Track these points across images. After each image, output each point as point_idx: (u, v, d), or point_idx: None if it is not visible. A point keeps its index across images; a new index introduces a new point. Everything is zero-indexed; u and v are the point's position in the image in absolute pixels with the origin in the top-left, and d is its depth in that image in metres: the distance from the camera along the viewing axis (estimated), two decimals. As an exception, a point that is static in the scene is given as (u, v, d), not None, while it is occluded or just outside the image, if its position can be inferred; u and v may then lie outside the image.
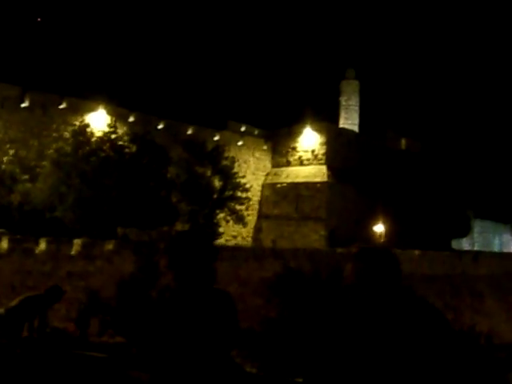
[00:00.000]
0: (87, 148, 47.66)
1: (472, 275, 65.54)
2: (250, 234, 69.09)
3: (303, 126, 71.83)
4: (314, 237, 65.50)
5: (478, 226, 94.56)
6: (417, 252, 60.48)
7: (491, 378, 29.41)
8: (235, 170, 58.27)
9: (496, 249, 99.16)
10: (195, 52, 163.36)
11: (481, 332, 35.81)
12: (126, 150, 50.15)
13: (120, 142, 50.64)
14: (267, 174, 72.56)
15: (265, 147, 73.05)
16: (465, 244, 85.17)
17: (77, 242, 39.77)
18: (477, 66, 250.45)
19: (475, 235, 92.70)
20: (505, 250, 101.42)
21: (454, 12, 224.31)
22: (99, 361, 10.56)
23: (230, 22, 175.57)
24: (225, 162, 56.46)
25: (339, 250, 54.54)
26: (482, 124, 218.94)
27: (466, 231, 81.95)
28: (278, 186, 70.83)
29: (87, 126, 52.01)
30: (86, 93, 59.61)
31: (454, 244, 77.52)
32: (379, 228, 48.32)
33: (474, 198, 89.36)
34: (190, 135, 62.21)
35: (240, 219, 57.03)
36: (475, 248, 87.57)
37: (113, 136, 50.59)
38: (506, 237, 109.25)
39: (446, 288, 60.54)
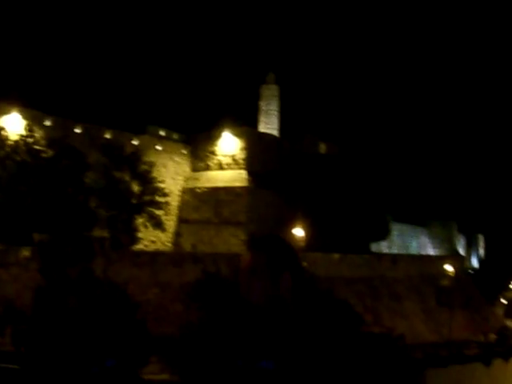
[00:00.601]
0: (2, 152, 46.62)
1: (391, 277, 67.24)
2: (170, 239, 68.79)
3: (222, 131, 72.15)
4: (233, 241, 65.81)
5: (396, 229, 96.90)
6: (337, 255, 61.65)
7: (408, 377, 30.44)
8: (154, 174, 58.05)
9: (414, 251, 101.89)
10: (113, 55, 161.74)
11: (399, 333, 37.01)
12: (43, 155, 49.29)
13: (36, 147, 49.71)
14: (187, 179, 72.41)
15: (184, 151, 72.92)
16: (383, 247, 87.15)
17: (-11, 249, 38.90)
18: (392, 75, 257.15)
19: (394, 238, 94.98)
20: (422, 253, 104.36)
21: (372, 22, 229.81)
22: (12, 372, 10.46)
23: (150, 26, 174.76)
24: (143, 167, 56.17)
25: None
26: (399, 129, 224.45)
27: (384, 234, 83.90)
28: (198, 190, 70.83)
29: (1, 129, 50.82)
30: (-2, 95, 58.01)
31: (373, 247, 79.27)
32: (299, 232, 49.00)
33: (392, 202, 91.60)
34: (108, 139, 61.51)
35: (159, 224, 56.85)
36: (394, 251, 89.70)
37: (29, 140, 49.62)
38: (423, 239, 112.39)
39: (366, 290, 61.90)
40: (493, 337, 66.75)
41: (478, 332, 69.37)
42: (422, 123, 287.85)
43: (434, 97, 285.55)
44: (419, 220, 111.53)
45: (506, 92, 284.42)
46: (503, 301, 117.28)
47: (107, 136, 62.80)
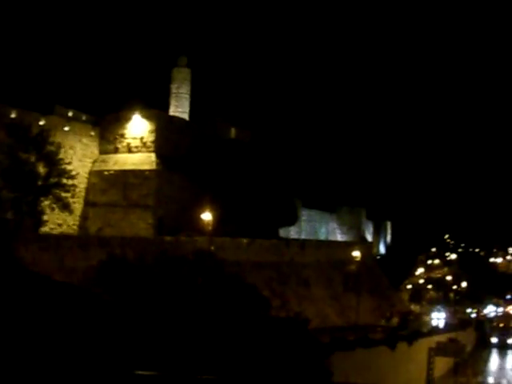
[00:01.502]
0: None
1: (299, 263, 68.81)
2: (76, 223, 68.08)
3: (132, 113, 71.68)
4: (141, 225, 65.85)
5: (305, 215, 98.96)
6: (245, 240, 62.63)
7: (314, 360, 31.53)
8: (61, 156, 57.10)
9: (322, 237, 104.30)
10: (19, 30, 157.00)
11: (307, 319, 38.12)
12: None
13: None
14: (95, 161, 71.69)
15: (92, 133, 72.10)
16: (292, 232, 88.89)
17: None
18: (300, 59, 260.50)
19: (302, 224, 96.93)
20: (331, 239, 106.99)
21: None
22: None
23: (60, 4, 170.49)
24: (50, 148, 55.20)
25: (167, 239, 55.51)
26: (309, 115, 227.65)
27: (293, 220, 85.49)
28: (106, 173, 70.29)
29: None
30: None
31: (282, 232, 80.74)
32: (207, 216, 49.55)
33: (301, 188, 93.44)
34: (13, 119, 60.15)
35: (66, 207, 56.01)
36: (302, 236, 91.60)
37: None
38: (332, 225, 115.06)
39: (274, 275, 63.11)
40: (395, 321, 69.48)
41: (383, 316, 72.00)
42: (331, 109, 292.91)
43: (342, 81, 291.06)
44: (328, 206, 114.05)
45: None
46: (409, 286, 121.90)
47: (12, 115, 61.41)
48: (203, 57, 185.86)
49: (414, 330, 67.04)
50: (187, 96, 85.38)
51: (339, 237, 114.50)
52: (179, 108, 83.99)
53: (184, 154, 72.07)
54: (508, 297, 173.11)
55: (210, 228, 48.61)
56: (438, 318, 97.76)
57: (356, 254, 70.64)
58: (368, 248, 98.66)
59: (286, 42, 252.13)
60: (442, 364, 63.27)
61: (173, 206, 67.43)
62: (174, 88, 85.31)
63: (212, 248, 46.04)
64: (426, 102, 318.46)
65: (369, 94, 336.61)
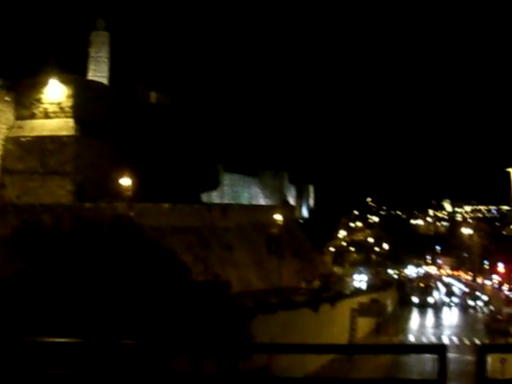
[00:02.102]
0: None
1: (221, 227, 68.80)
2: (-7, 191, 66.23)
3: (48, 77, 69.63)
4: (60, 192, 64.48)
5: (227, 180, 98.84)
6: (166, 205, 62.15)
7: (235, 323, 31.62)
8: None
9: (245, 201, 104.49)
10: None
11: (228, 282, 38.10)
12: None
13: None
14: (10, 128, 69.55)
15: (7, 98, 69.72)
16: (215, 197, 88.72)
17: None
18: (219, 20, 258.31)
19: (225, 188, 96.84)
20: (253, 203, 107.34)
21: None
22: None
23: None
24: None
25: (86, 205, 54.59)
26: (230, 79, 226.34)
27: (215, 184, 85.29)
28: (23, 139, 68.29)
29: None
30: None
31: (204, 197, 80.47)
32: (126, 181, 48.94)
33: (223, 152, 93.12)
34: None
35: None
36: (225, 201, 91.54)
37: None
38: (255, 189, 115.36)
39: (196, 240, 62.95)
40: (317, 283, 70.56)
41: (305, 279, 72.98)
42: (252, 70, 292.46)
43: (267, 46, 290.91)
44: (251, 170, 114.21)
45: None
46: (331, 249, 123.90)
47: None
48: (122, 20, 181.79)
49: (337, 291, 68.26)
50: (106, 60, 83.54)
51: (262, 201, 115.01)
52: (98, 72, 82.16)
53: (103, 120, 70.70)
54: (428, 257, 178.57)
55: (130, 193, 48.07)
56: (360, 280, 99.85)
57: (278, 217, 71.13)
58: (290, 211, 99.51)
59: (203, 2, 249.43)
60: (365, 324, 64.78)
61: (92, 172, 66.22)
62: (92, 52, 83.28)
63: (131, 213, 45.47)
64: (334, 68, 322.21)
65: (284, 53, 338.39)
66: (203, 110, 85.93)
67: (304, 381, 10.56)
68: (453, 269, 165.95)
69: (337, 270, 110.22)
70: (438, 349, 4.35)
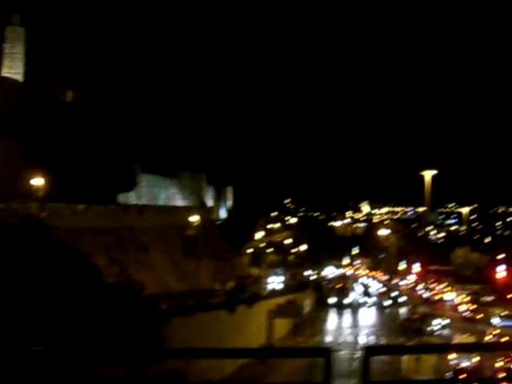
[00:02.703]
0: None
1: (138, 228, 68.16)
2: None
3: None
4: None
5: (145, 180, 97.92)
6: (81, 206, 61.16)
7: (149, 327, 31.31)
8: None
9: (162, 203, 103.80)
10: None
11: (142, 284, 37.67)
12: None
13: None
14: None
15: None
16: (132, 198, 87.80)
17: None
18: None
19: (142, 189, 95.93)
20: (171, 204, 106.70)
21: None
22: None
23: None
24: None
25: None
26: (147, 77, 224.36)
27: (131, 185, 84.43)
28: None
29: None
30: None
31: (121, 198, 79.53)
32: (38, 181, 47.84)
33: (140, 153, 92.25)
34: None
35: None
36: (142, 202, 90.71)
37: None
38: (173, 191, 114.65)
39: (112, 242, 62.14)
40: (231, 285, 70.64)
41: (224, 280, 72.95)
42: (170, 73, 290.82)
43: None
44: (169, 171, 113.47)
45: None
46: (249, 250, 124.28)
47: None
48: (39, 15, 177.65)
49: (254, 293, 68.47)
50: (21, 56, 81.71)
51: (180, 202, 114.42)
52: (13, 69, 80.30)
53: (16, 117, 68.99)
54: (345, 258, 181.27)
55: (41, 193, 47.01)
56: (278, 281, 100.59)
57: (194, 218, 70.91)
58: (208, 213, 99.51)
59: None
60: (282, 325, 65.17)
61: (4, 171, 64.48)
62: (7, 48, 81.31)
63: (43, 214, 44.45)
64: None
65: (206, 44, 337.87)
66: (120, 110, 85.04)
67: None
68: (370, 269, 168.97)
69: (254, 271, 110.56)
70: (324, 352, 4.38)
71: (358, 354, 60.10)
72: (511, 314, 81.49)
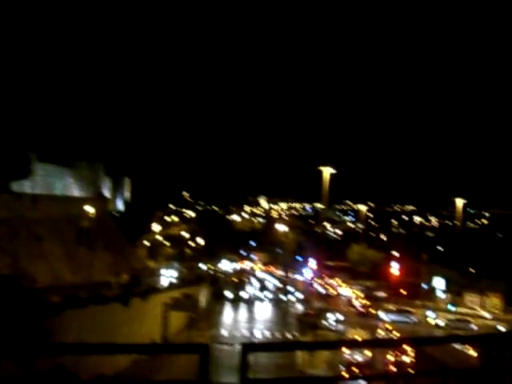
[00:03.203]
0: None
1: (31, 218, 66.25)
2: None
3: None
4: None
5: (41, 169, 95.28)
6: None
7: (39, 319, 30.46)
8: None
9: (58, 192, 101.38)
10: None
11: (32, 276, 36.68)
12: None
13: None
14: None
15: None
16: (26, 187, 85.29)
17: None
18: None
19: (38, 178, 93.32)
20: (67, 194, 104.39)
21: None
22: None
23: None
24: None
25: None
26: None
27: (26, 173, 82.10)
28: None
29: None
30: None
31: (15, 186, 77.13)
32: None
33: (36, 141, 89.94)
34: None
35: None
36: (38, 191, 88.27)
37: None
38: (69, 180, 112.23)
39: (3, 232, 60.23)
40: (125, 278, 69.85)
41: (119, 273, 72.01)
42: (67, 63, 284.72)
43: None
44: (66, 161, 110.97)
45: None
46: (146, 243, 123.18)
47: None
48: None
49: (149, 286, 67.94)
50: None
51: (76, 192, 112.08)
52: None
53: None
54: (243, 252, 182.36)
55: None
56: (174, 275, 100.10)
57: (90, 209, 69.66)
58: (104, 204, 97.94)
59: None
60: (178, 319, 64.88)
61: None
62: None
63: None
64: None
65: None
66: (15, 97, 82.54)
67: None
68: (267, 264, 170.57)
69: (150, 264, 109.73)
70: (201, 349, 4.20)
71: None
72: (399, 309, 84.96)
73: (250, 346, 4.43)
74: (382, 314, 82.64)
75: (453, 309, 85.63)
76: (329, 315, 74.85)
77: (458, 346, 57.06)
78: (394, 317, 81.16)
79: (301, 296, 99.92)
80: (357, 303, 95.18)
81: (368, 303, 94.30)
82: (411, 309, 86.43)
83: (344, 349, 54.03)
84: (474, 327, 77.40)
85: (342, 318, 76.75)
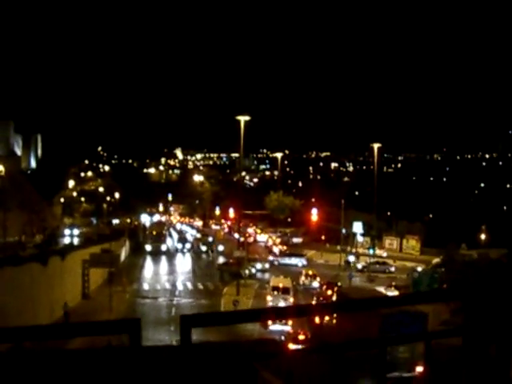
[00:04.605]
0: None
1: None
2: None
3: None
4: None
5: None
6: None
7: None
8: None
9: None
10: None
11: None
12: None
13: None
14: None
15: None
16: None
17: None
18: None
19: None
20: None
21: None
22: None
23: None
24: None
25: None
26: None
27: None
28: None
29: None
30: None
31: None
32: None
33: None
34: None
35: None
36: None
37: None
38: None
39: None
40: (42, 236, 68.54)
41: (35, 232, 70.51)
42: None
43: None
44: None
45: None
46: (61, 200, 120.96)
47: None
48: None
49: (66, 243, 66.87)
50: None
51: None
52: None
53: None
54: (161, 205, 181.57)
55: None
56: (91, 231, 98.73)
57: (0, 168, 67.67)
58: (15, 162, 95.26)
59: None
60: (98, 275, 64.09)
61: None
62: None
63: None
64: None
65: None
66: None
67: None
68: (185, 216, 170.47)
69: (67, 221, 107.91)
70: (129, 326, 2.80)
71: (176, 300, 60.90)
72: (291, 253, 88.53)
73: (190, 320, 2.96)
74: (271, 258, 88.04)
75: (371, 252, 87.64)
76: (252, 264, 75.72)
77: (380, 289, 59.01)
78: (286, 260, 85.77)
79: (220, 246, 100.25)
80: (276, 249, 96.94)
81: (285, 249, 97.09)
82: (305, 251, 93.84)
83: (268, 297, 55.08)
84: (392, 269, 79.65)
85: (265, 266, 78.33)
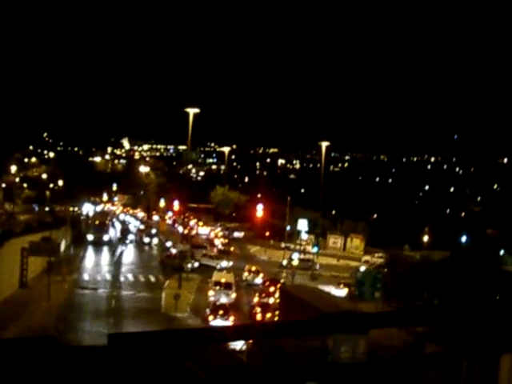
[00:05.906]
0: None
1: None
2: None
3: None
4: None
5: None
6: None
7: None
8: None
9: None
10: None
11: None
12: None
13: None
14: None
15: None
16: None
17: None
18: None
19: None
20: None
21: None
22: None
23: None
24: None
25: None
26: None
27: None
28: None
29: None
30: None
31: None
32: None
33: None
34: None
35: None
36: None
37: None
38: None
39: None
40: None
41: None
42: None
43: None
44: None
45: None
46: (2, 185, 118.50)
47: None
48: None
49: (5, 230, 65.05)
50: None
51: None
52: None
53: None
54: (105, 195, 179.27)
55: None
56: (33, 218, 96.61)
57: None
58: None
59: None
60: (37, 264, 62.63)
61: None
62: None
63: None
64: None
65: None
66: None
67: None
68: (129, 206, 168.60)
69: (8, 207, 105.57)
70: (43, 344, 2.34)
71: (116, 292, 59.93)
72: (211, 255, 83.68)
73: (117, 338, 2.91)
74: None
75: (315, 250, 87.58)
76: (193, 257, 75.01)
77: (327, 288, 58.98)
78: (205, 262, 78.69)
79: (163, 238, 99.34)
80: (217, 242, 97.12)
81: (226, 242, 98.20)
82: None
83: (210, 292, 54.66)
84: (317, 266, 79.52)
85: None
